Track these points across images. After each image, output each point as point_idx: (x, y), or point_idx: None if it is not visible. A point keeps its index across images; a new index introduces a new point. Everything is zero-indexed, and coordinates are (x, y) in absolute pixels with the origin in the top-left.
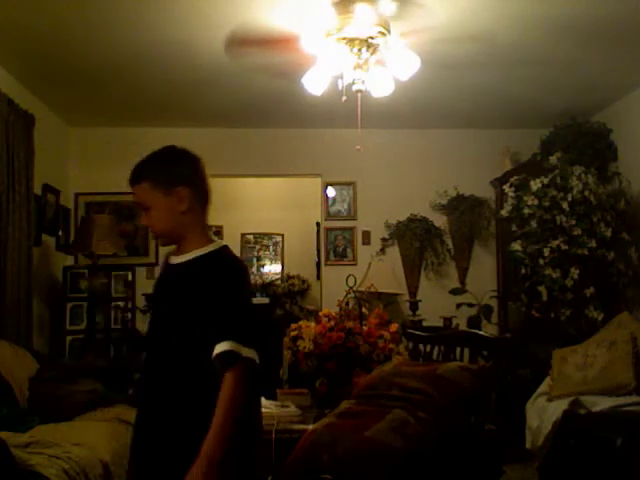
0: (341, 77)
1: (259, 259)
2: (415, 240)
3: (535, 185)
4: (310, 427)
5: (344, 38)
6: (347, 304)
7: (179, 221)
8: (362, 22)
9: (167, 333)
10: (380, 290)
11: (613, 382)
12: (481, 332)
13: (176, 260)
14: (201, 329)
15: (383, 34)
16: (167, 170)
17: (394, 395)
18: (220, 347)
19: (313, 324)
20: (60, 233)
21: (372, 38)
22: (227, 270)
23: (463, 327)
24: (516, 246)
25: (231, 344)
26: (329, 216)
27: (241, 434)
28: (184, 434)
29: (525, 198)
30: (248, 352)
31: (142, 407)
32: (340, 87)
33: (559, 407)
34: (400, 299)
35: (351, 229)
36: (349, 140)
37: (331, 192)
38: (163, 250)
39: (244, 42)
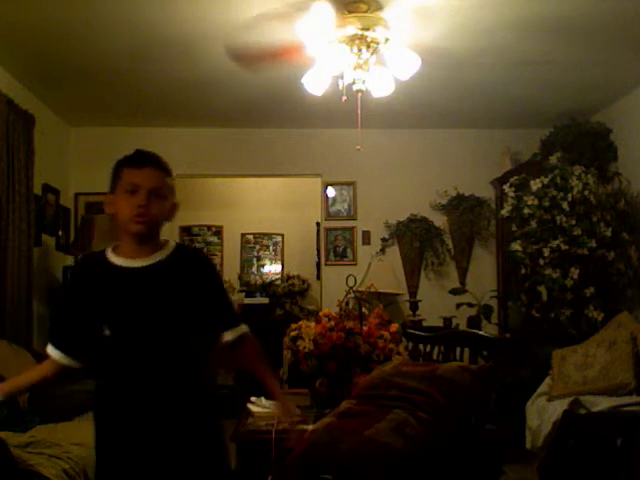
0: (341, 77)
1: (259, 259)
2: (415, 240)
3: (535, 185)
4: (310, 427)
5: (344, 38)
6: (347, 304)
7: (160, 224)
8: (363, 22)
9: (171, 328)
10: (380, 290)
11: (613, 382)
12: (481, 332)
13: (145, 262)
14: (204, 316)
15: (384, 35)
16: (174, 185)
17: (394, 395)
18: (241, 329)
19: (313, 324)
20: (60, 233)
21: (372, 38)
22: (208, 259)
23: (463, 327)
24: (516, 246)
25: (245, 326)
26: (329, 216)
27: None
28: (197, 419)
29: (525, 198)
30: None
31: (149, 402)
32: (340, 87)
33: (559, 407)
34: (400, 299)
35: (351, 229)
36: (349, 140)
37: (331, 192)
38: None
39: (248, 56)
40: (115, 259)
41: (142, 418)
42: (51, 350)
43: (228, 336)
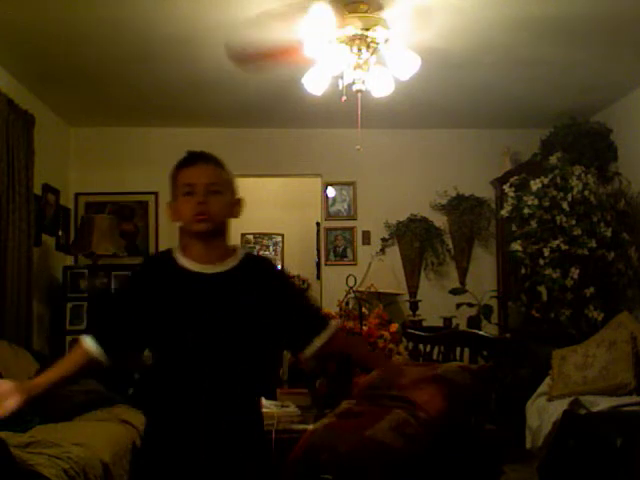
0: (341, 77)
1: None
2: (415, 240)
3: (535, 185)
4: (310, 427)
5: (344, 38)
6: (347, 304)
7: (227, 222)
8: (363, 22)
9: (247, 337)
10: (380, 290)
11: (613, 382)
12: (481, 332)
13: (217, 268)
14: (293, 326)
15: (384, 35)
16: (234, 180)
17: (394, 395)
18: (332, 326)
19: None
20: (60, 233)
21: (372, 38)
22: (279, 268)
23: (463, 327)
24: (516, 246)
25: (334, 321)
26: (329, 216)
27: None
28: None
29: (525, 198)
30: None
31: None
32: (340, 87)
33: (559, 407)
34: (400, 299)
35: (351, 229)
36: (349, 140)
37: (331, 192)
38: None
39: (247, 56)
40: (185, 262)
41: (203, 424)
42: (89, 343)
43: (321, 340)
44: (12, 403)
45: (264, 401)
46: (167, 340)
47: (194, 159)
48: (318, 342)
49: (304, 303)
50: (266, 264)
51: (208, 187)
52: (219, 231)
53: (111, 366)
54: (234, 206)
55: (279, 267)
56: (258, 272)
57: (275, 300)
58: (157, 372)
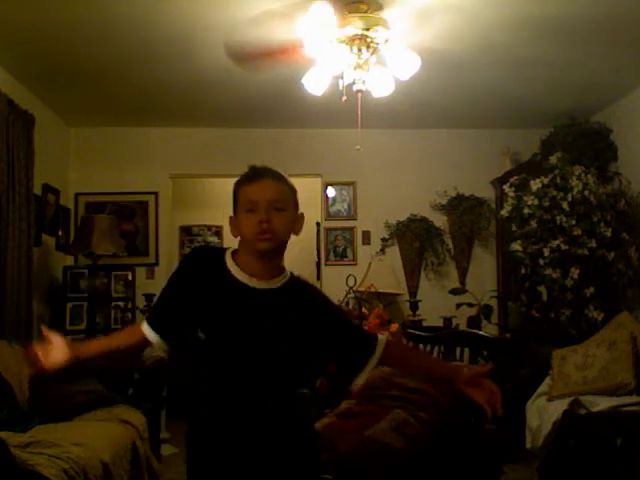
0: (341, 77)
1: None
2: (415, 240)
3: (535, 185)
4: None
5: (344, 38)
6: (347, 304)
7: (287, 240)
8: (363, 22)
9: (290, 356)
10: (380, 290)
11: (613, 382)
12: (481, 332)
13: (267, 285)
14: (341, 351)
15: (384, 35)
16: (296, 193)
17: (394, 395)
18: (381, 343)
19: None
20: (60, 233)
21: (372, 38)
22: (321, 292)
23: (463, 327)
24: (516, 246)
25: (382, 337)
26: (329, 216)
27: None
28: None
29: (525, 198)
30: None
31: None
32: (340, 87)
33: (559, 407)
34: (400, 299)
35: (351, 229)
36: (349, 140)
37: (331, 192)
38: (164, 251)
39: (247, 55)
40: (236, 271)
41: (242, 440)
42: (145, 325)
43: (373, 363)
44: (60, 357)
45: None
46: (208, 345)
47: (257, 175)
48: (363, 376)
49: (349, 326)
50: (311, 287)
51: (271, 204)
52: (279, 249)
53: (163, 354)
54: (296, 223)
55: (321, 291)
56: (306, 293)
57: (323, 322)
58: (198, 373)
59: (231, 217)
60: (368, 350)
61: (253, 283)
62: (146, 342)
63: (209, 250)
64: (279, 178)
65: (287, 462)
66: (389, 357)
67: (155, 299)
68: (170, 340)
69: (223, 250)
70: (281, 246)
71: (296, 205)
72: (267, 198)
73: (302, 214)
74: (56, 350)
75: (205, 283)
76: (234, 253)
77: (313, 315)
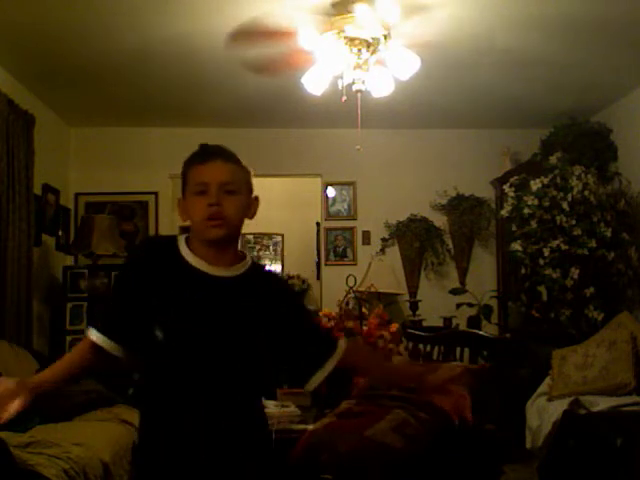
0: (341, 77)
1: (259, 259)
2: (415, 240)
3: (535, 185)
4: (310, 427)
5: (344, 38)
6: (347, 304)
7: (240, 225)
8: (362, 22)
9: (251, 350)
10: (380, 290)
11: (613, 382)
12: (481, 332)
13: (226, 272)
14: (298, 347)
15: (384, 35)
16: (251, 176)
17: (394, 395)
18: (341, 347)
19: None
20: (60, 233)
21: (372, 38)
22: (287, 282)
23: (463, 327)
24: (516, 246)
25: (342, 341)
26: (329, 216)
27: None
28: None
29: (525, 198)
30: None
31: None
32: (340, 87)
33: (559, 407)
34: (400, 299)
35: (351, 229)
36: (349, 140)
37: (331, 192)
38: None
39: (244, 35)
40: (192, 259)
41: (202, 426)
42: (94, 332)
43: (332, 363)
44: (16, 405)
45: (264, 401)
46: (167, 339)
47: (208, 155)
48: (320, 376)
49: (311, 324)
50: (275, 277)
51: (222, 187)
52: (233, 236)
53: (119, 355)
54: (250, 206)
55: (286, 281)
56: (267, 282)
57: (282, 314)
58: (154, 370)
59: (179, 199)
60: (329, 349)
61: (212, 270)
62: (98, 349)
63: (159, 239)
64: (232, 159)
65: (242, 465)
66: (350, 358)
67: (100, 305)
68: (125, 342)
69: (174, 237)
70: (234, 232)
71: (250, 188)
72: (218, 180)
73: (257, 197)
74: (8, 397)
75: (159, 274)
76: (187, 240)
77: (275, 307)
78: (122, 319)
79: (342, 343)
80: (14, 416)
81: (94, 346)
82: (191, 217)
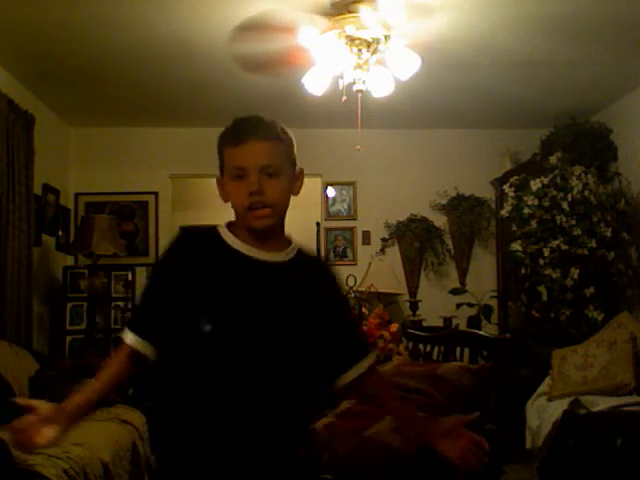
0: (341, 77)
1: None
2: (415, 240)
3: (535, 185)
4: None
5: (345, 38)
6: None
7: (287, 206)
8: (363, 22)
9: (306, 345)
10: (380, 290)
11: (613, 382)
12: (481, 332)
13: (278, 257)
14: (335, 342)
15: (384, 35)
16: (294, 144)
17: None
18: (371, 358)
19: None
20: (60, 233)
21: (372, 38)
22: (334, 268)
23: (463, 327)
24: (516, 246)
25: (374, 354)
26: (329, 216)
27: None
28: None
29: (525, 198)
30: None
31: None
32: (340, 87)
33: (559, 407)
34: (400, 299)
35: (351, 229)
36: (349, 140)
37: (331, 192)
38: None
39: (245, 34)
40: (239, 246)
41: (240, 448)
42: (131, 337)
43: (359, 369)
44: (52, 432)
45: None
46: (219, 332)
47: (242, 135)
48: (355, 371)
49: (352, 318)
50: (323, 263)
51: (263, 170)
52: (279, 219)
53: (152, 359)
54: (295, 182)
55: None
56: (316, 268)
57: (329, 305)
58: (189, 374)
59: (217, 177)
60: (361, 352)
61: (263, 256)
62: (137, 355)
63: (198, 228)
64: (270, 134)
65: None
66: (369, 380)
67: (138, 300)
68: (159, 343)
69: (214, 227)
70: (281, 213)
71: (294, 161)
72: (256, 164)
73: (302, 169)
74: (45, 423)
75: (205, 265)
76: (229, 225)
77: (325, 296)
78: (159, 318)
79: (373, 355)
80: (51, 445)
81: (131, 352)
82: (233, 201)
